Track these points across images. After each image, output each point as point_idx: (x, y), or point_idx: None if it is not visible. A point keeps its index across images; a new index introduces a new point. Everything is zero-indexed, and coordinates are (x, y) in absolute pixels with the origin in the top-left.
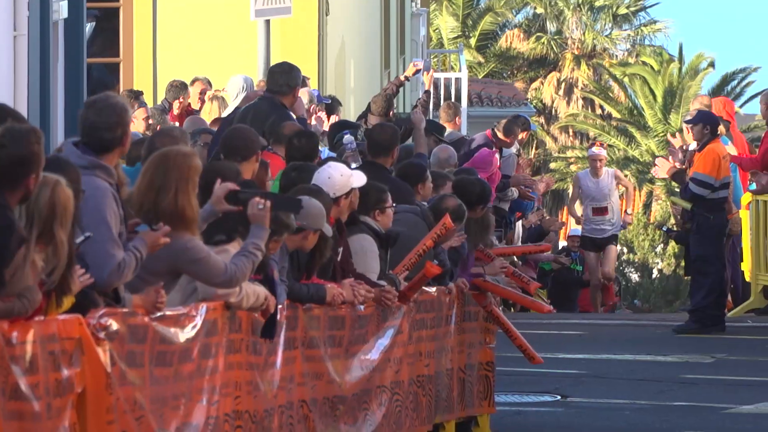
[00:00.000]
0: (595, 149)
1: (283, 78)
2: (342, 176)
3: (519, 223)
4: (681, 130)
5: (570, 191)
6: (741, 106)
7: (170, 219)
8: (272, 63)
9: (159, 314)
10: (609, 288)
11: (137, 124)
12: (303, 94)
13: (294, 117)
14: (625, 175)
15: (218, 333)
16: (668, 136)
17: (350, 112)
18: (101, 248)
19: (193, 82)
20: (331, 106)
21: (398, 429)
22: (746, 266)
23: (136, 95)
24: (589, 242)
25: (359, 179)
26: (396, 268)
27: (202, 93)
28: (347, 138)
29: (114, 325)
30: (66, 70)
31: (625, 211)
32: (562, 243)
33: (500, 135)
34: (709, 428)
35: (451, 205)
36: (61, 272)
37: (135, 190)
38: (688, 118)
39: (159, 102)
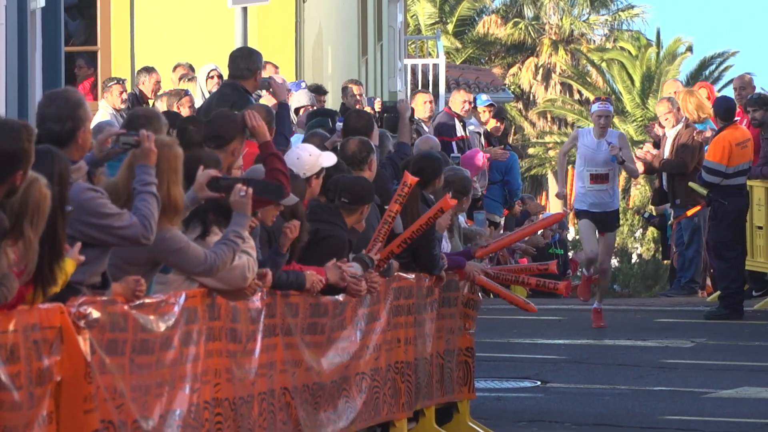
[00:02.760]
0: (600, 104)
1: (243, 62)
2: (311, 156)
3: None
4: (655, 117)
5: (549, 177)
6: (719, 91)
7: (164, 210)
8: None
9: (138, 302)
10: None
11: (111, 99)
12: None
13: (254, 101)
14: None
15: (198, 320)
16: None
17: (328, 98)
18: None
19: (175, 67)
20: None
21: (376, 415)
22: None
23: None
24: (585, 216)
25: (329, 159)
26: (368, 244)
27: (182, 78)
28: (340, 125)
29: (94, 314)
30: (44, 60)
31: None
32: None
33: (452, 107)
34: (689, 413)
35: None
36: (33, 268)
37: (119, 180)
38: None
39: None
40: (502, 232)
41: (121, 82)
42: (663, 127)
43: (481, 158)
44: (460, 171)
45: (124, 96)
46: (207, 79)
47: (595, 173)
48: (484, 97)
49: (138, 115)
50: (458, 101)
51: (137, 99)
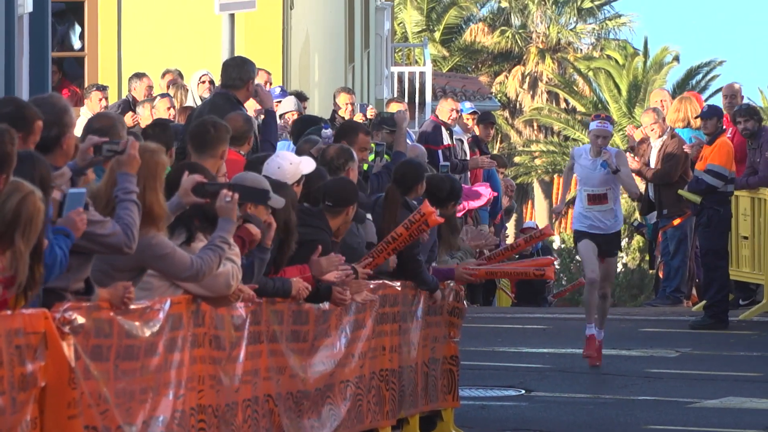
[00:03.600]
0: (599, 123)
1: (235, 72)
2: (291, 164)
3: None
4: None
5: (535, 186)
6: (706, 100)
7: (142, 217)
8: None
9: (123, 308)
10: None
11: (91, 105)
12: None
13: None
14: None
15: (183, 327)
16: (629, 129)
17: (314, 105)
18: None
19: (164, 74)
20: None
21: (359, 423)
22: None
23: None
24: (585, 236)
25: (308, 165)
26: (363, 258)
27: (171, 84)
28: (325, 132)
29: (79, 319)
30: (31, 65)
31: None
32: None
33: (440, 116)
34: (673, 423)
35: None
36: (23, 280)
37: (102, 186)
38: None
39: (124, 96)
40: (486, 255)
41: (101, 88)
42: (643, 135)
43: (487, 195)
44: (445, 178)
45: (104, 103)
46: (198, 84)
47: (592, 193)
48: (467, 104)
49: (94, 128)
50: (446, 110)
51: (129, 105)
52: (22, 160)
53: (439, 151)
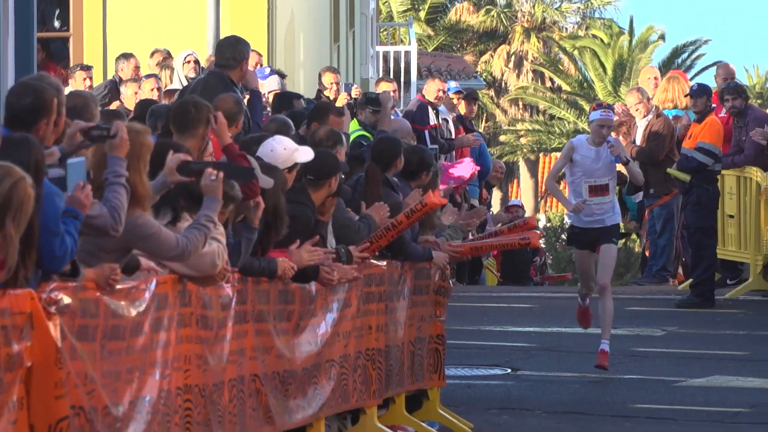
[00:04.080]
0: (602, 112)
1: (229, 52)
2: (285, 150)
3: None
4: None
5: (521, 165)
6: (691, 79)
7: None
8: (222, 37)
9: (109, 288)
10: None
11: (75, 86)
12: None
13: (238, 92)
14: None
15: (169, 306)
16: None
17: (299, 85)
18: None
19: (153, 53)
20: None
21: (344, 402)
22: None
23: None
24: (581, 237)
25: (305, 154)
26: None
27: (160, 64)
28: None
29: (65, 300)
30: (16, 45)
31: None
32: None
33: (426, 95)
34: (659, 401)
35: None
36: (13, 265)
37: (91, 169)
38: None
39: (110, 76)
40: (471, 237)
41: (85, 68)
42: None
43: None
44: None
45: (89, 83)
46: (183, 65)
47: (595, 184)
48: (453, 84)
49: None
50: (432, 89)
51: (116, 85)
52: (17, 144)
53: (426, 132)
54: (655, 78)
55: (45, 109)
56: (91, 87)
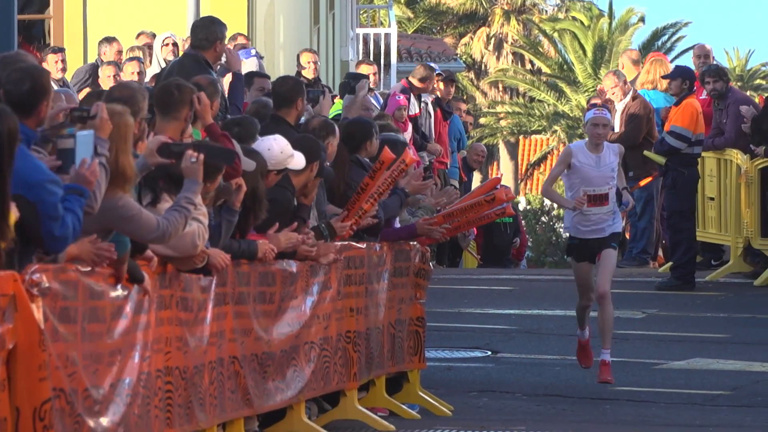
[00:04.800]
0: (596, 110)
1: (202, 32)
2: (282, 153)
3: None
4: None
5: (501, 147)
6: (672, 61)
7: (111, 178)
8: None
9: (88, 269)
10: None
11: (47, 68)
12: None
13: (214, 74)
14: (554, 131)
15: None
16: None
17: (280, 67)
18: None
19: (138, 35)
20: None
21: (326, 385)
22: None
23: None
24: (580, 248)
25: (298, 162)
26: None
27: (146, 46)
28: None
29: (46, 281)
30: None
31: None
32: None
33: (414, 82)
34: (640, 384)
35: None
36: None
37: None
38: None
39: (91, 60)
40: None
41: (57, 51)
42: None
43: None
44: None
45: (60, 65)
46: (162, 47)
47: (593, 194)
48: (432, 66)
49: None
50: (417, 74)
51: (97, 69)
52: None
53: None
54: (634, 61)
55: (44, 92)
56: (64, 70)
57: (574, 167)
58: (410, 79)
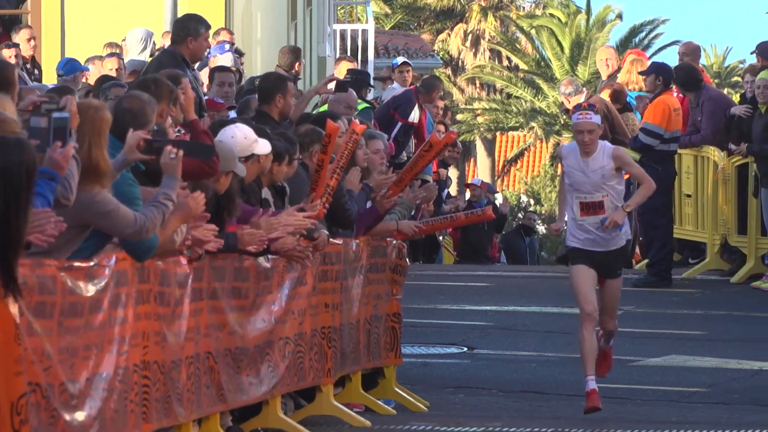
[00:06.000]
0: (579, 114)
1: (177, 27)
2: (245, 139)
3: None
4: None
5: (478, 143)
6: (649, 58)
7: (85, 173)
8: (179, 15)
9: (67, 265)
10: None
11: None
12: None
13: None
14: (531, 127)
15: (128, 283)
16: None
17: (257, 64)
18: None
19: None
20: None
21: (300, 381)
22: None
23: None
24: (578, 255)
25: (263, 147)
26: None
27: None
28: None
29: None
30: None
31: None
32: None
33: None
34: (616, 381)
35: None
36: None
37: None
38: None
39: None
40: (425, 221)
41: (11, 46)
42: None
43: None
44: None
45: (13, 60)
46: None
47: (585, 201)
48: (400, 59)
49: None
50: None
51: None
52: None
53: (399, 124)
54: (607, 59)
55: (11, 85)
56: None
57: (564, 169)
58: (420, 88)
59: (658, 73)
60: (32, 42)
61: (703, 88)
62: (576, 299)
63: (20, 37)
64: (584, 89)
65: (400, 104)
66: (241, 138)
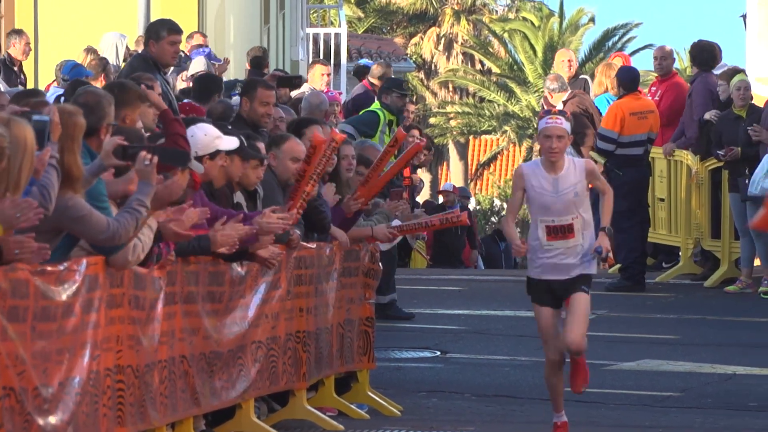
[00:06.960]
0: (548, 119)
1: (145, 31)
2: (206, 136)
3: None
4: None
5: (450, 147)
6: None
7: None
8: (153, 19)
9: (39, 269)
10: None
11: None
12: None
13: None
14: (504, 131)
15: (99, 288)
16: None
17: (230, 67)
18: None
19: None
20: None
21: (273, 385)
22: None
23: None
24: (542, 290)
25: (229, 143)
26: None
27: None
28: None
29: None
30: None
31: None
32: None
33: (375, 81)
34: (590, 385)
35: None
36: None
37: None
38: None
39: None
40: (399, 225)
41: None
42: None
43: None
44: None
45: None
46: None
47: (553, 225)
48: (370, 62)
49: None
50: (376, 74)
51: (5, 63)
52: None
53: None
54: (569, 60)
55: None
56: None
57: (528, 193)
58: (370, 79)
59: (619, 78)
60: (27, 48)
61: (702, 74)
62: (542, 342)
63: (19, 42)
64: (568, 87)
65: (358, 101)
66: (201, 135)
